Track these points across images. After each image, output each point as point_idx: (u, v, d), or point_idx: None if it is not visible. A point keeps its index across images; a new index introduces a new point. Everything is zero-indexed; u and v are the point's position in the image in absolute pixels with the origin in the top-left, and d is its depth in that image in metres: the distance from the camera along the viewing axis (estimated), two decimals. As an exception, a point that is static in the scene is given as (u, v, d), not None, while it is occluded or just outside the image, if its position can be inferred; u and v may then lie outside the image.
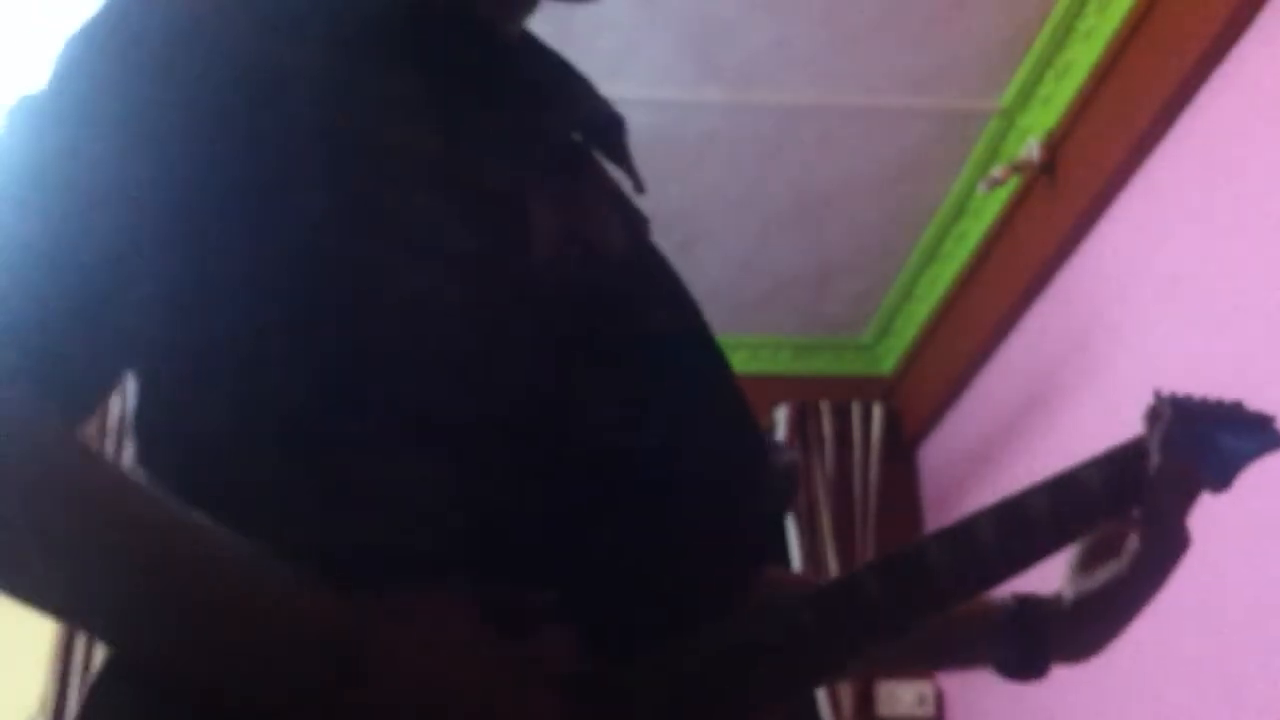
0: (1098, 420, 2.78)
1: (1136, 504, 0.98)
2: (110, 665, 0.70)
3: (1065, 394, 2.93)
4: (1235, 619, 2.14)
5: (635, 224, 0.94)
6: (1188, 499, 1.01)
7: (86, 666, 3.28)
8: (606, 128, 0.94)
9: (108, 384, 0.75)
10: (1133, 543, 0.99)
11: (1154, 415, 1.04)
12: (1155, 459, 0.99)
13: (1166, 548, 0.99)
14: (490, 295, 0.76)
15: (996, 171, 2.97)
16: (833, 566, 3.52)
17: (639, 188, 0.95)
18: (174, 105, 0.74)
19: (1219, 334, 2.33)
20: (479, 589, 0.70)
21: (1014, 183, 3.01)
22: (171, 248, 0.73)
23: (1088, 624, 1.00)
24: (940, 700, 3.51)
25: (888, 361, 3.89)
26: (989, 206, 3.20)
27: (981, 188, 3.02)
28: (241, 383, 0.74)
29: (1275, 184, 2.20)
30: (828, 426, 3.74)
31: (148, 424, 0.77)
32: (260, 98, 0.75)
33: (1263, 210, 2.23)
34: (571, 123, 0.93)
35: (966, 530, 0.89)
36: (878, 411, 3.77)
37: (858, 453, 3.73)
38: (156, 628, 0.66)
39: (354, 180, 0.75)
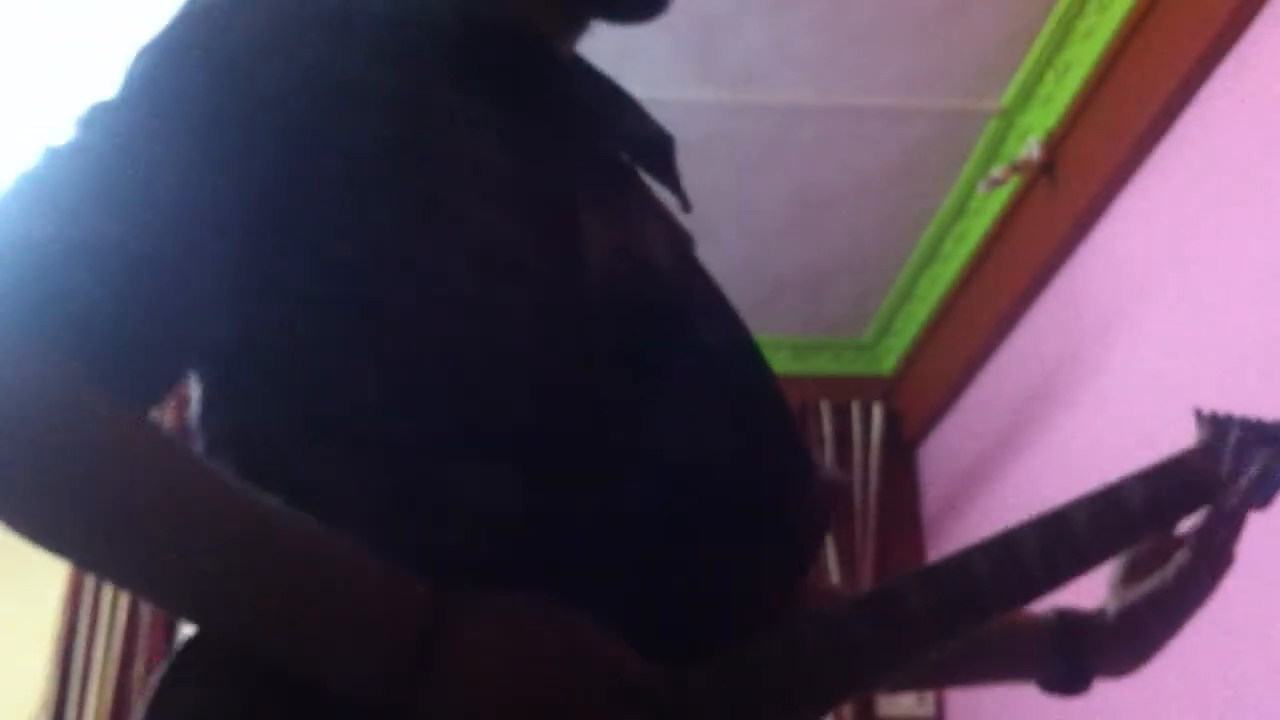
0: (1098, 420, 2.78)
1: (1179, 520, 0.98)
2: (180, 655, 0.71)
3: (1065, 394, 2.93)
4: (1236, 619, 2.14)
5: (681, 241, 0.96)
6: (1238, 519, 1.00)
7: (87, 667, 3.28)
8: (654, 147, 0.97)
9: (172, 381, 0.76)
10: (1177, 557, 0.99)
11: (1208, 433, 1.03)
12: (1228, 483, 0.99)
13: (1212, 564, 0.99)
14: (547, 304, 0.78)
15: (996, 171, 2.97)
16: (832, 566, 3.52)
17: (686, 206, 0.97)
18: (247, 114, 0.76)
19: (1219, 333, 2.33)
20: (545, 597, 0.71)
21: (1014, 183, 3.01)
22: (240, 251, 0.75)
23: (1131, 638, 1.01)
24: (940, 700, 3.51)
25: (888, 361, 3.89)
26: (989, 206, 3.20)
27: (981, 188, 3.02)
28: (305, 385, 0.76)
29: (1276, 184, 2.20)
30: (827, 426, 3.74)
31: (212, 425, 0.79)
32: (331, 109, 0.77)
33: (1263, 210, 2.23)
34: (620, 142, 0.95)
35: (1010, 541, 0.89)
36: (878, 411, 3.77)
37: (857, 453, 3.73)
38: (241, 606, 0.68)
39: (420, 190, 0.77)
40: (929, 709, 3.50)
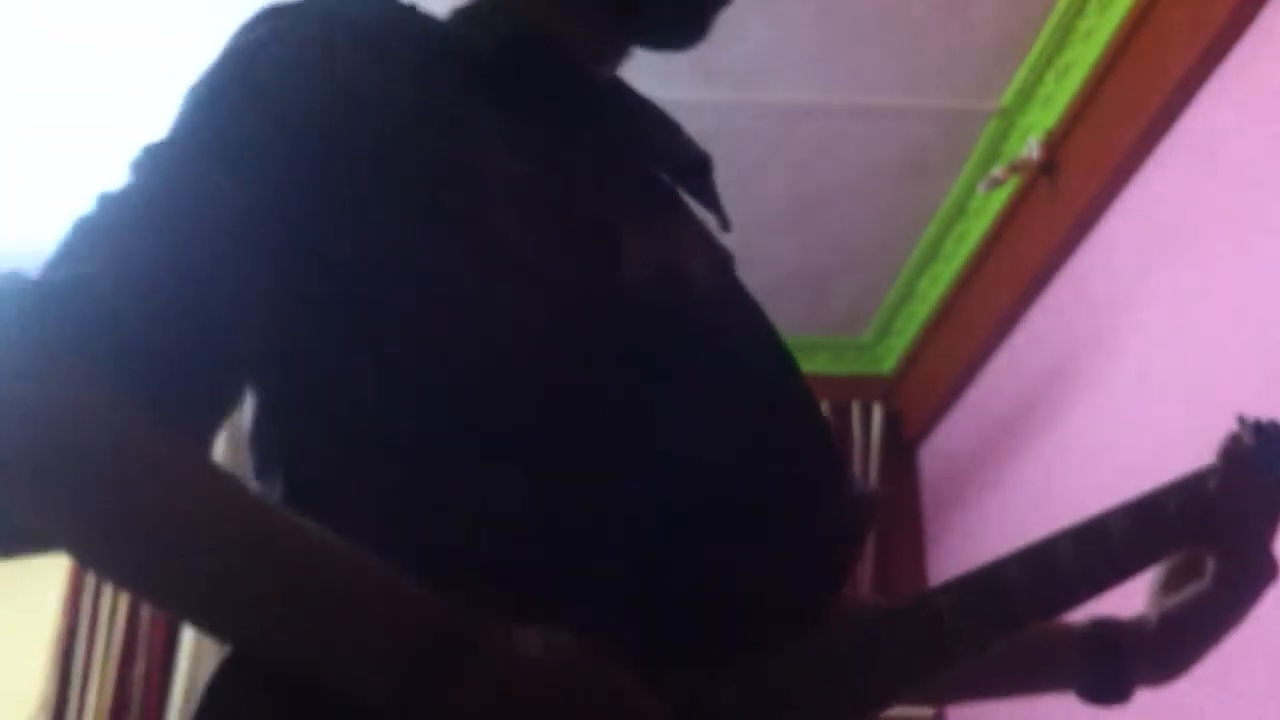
0: (1098, 420, 2.78)
1: (1211, 530, 0.98)
2: (227, 665, 0.72)
3: (1065, 394, 2.93)
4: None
5: (720, 259, 0.98)
6: (1269, 525, 0.99)
7: (87, 667, 3.28)
8: (693, 168, 0.98)
9: (223, 403, 0.80)
10: (1212, 565, 0.99)
11: (1234, 441, 1.03)
12: (1217, 485, 0.98)
13: (1250, 573, 0.98)
14: (576, 314, 0.80)
15: (996, 171, 2.97)
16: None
17: (725, 226, 0.99)
18: (282, 144, 0.79)
19: (1219, 332, 2.33)
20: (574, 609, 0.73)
21: (1014, 183, 3.01)
22: (279, 274, 0.78)
23: (1172, 646, 1.00)
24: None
25: (888, 361, 3.89)
26: (989, 206, 3.19)
27: (981, 188, 3.02)
28: (346, 401, 0.79)
29: (1275, 183, 2.20)
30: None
31: (261, 441, 0.83)
32: (367, 133, 0.80)
33: (1263, 210, 2.23)
34: (659, 162, 0.97)
35: (1045, 551, 0.89)
36: (878, 411, 3.77)
37: (858, 453, 3.73)
38: (274, 625, 0.70)
39: (453, 206, 0.80)
40: (928, 709, 3.50)
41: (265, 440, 0.83)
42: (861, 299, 3.71)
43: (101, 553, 0.73)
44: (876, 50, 2.81)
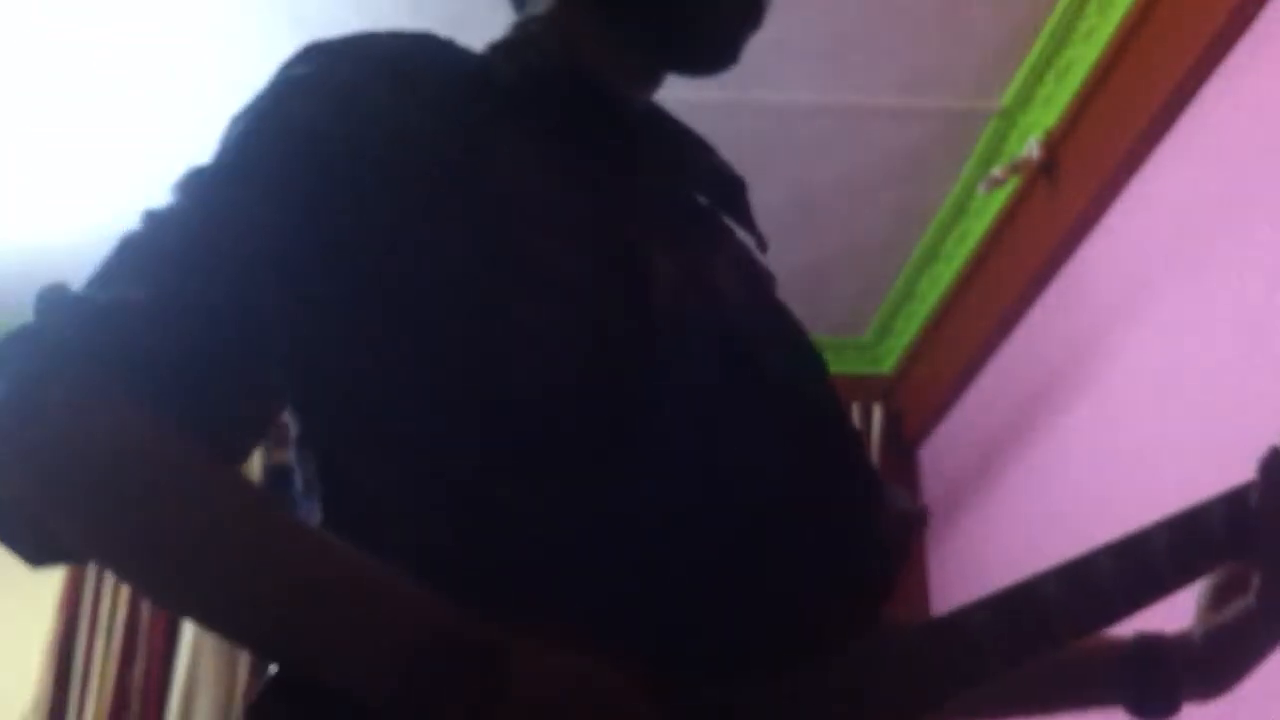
0: (1098, 420, 2.77)
1: (1254, 546, 0.97)
2: (270, 684, 0.74)
3: (1066, 394, 2.93)
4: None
5: (760, 280, 1.00)
6: None
7: (86, 667, 3.28)
8: (729, 190, 1.01)
9: (261, 427, 0.83)
10: (1258, 582, 0.97)
11: (1274, 456, 1.02)
12: (1259, 500, 0.95)
13: None
14: (615, 339, 0.82)
15: (996, 171, 2.97)
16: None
17: (762, 246, 1.02)
18: (327, 176, 0.82)
19: (1220, 332, 2.33)
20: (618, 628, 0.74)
21: (1014, 183, 3.01)
22: (324, 300, 0.81)
23: (1218, 661, 1.00)
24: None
25: (888, 361, 3.89)
26: (989, 206, 3.19)
27: (981, 188, 3.02)
28: (384, 423, 0.81)
29: (1276, 183, 2.20)
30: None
31: (304, 462, 0.86)
32: (406, 167, 0.83)
33: (1263, 210, 2.23)
34: (696, 185, 1.00)
35: (1084, 566, 0.88)
36: (878, 411, 3.77)
37: (858, 453, 3.72)
38: (301, 638, 0.72)
39: (491, 236, 0.82)
40: None
41: (306, 465, 0.86)
42: (861, 299, 3.71)
43: (130, 564, 0.75)
44: (876, 50, 2.81)
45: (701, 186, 1.01)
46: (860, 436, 0.91)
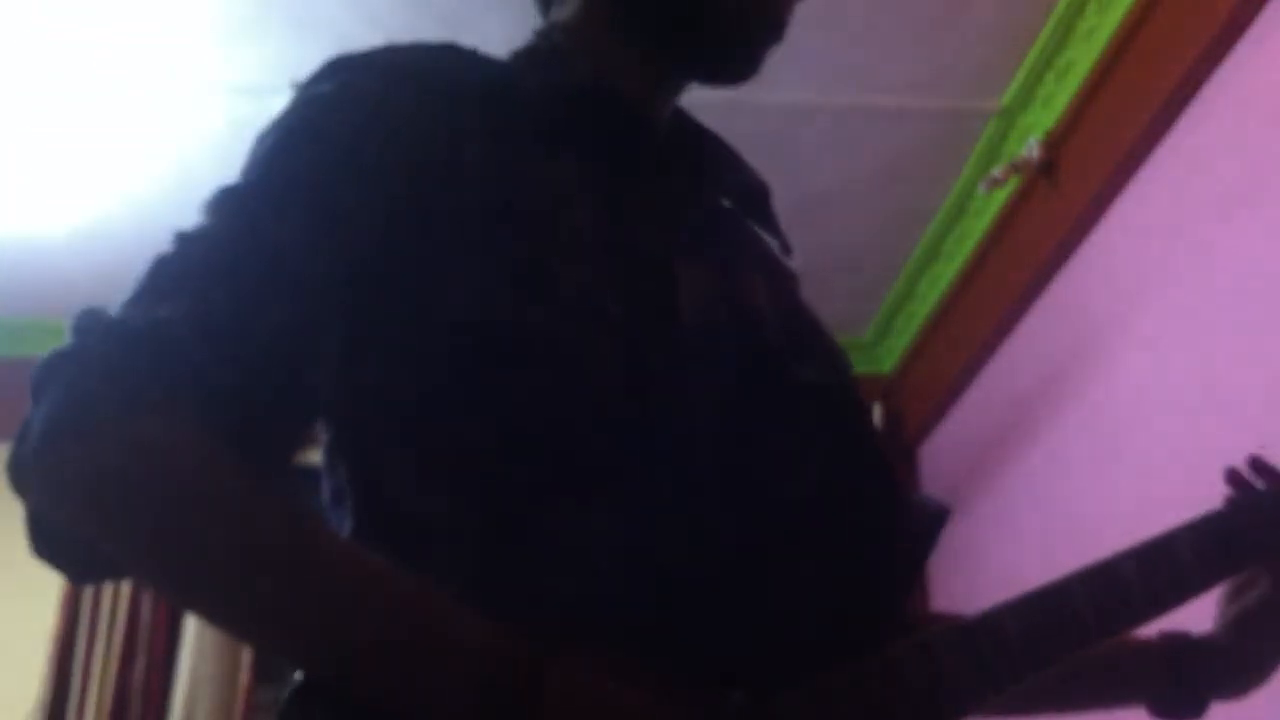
0: (1098, 420, 2.77)
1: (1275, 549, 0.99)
2: (301, 688, 0.75)
3: (1065, 394, 2.93)
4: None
5: (785, 283, 1.01)
6: None
7: (87, 667, 3.28)
8: (753, 195, 1.02)
9: (297, 441, 0.83)
10: (1263, 578, 0.99)
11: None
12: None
13: None
14: (644, 356, 0.83)
15: (996, 171, 2.97)
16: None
17: (786, 250, 1.03)
18: (357, 191, 0.83)
19: (1219, 332, 2.33)
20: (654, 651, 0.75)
21: (1014, 183, 3.01)
22: (352, 317, 0.82)
23: (1238, 660, 1.01)
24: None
25: (888, 361, 3.89)
26: (989, 206, 3.19)
27: (981, 188, 3.02)
28: (415, 436, 0.82)
29: (1275, 184, 2.20)
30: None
31: (336, 473, 0.87)
32: (434, 181, 0.84)
33: (1263, 210, 2.23)
34: (721, 191, 1.00)
35: (1109, 569, 0.90)
36: (878, 412, 3.77)
37: (858, 453, 3.72)
38: (348, 656, 0.72)
39: (519, 255, 0.83)
40: None
41: (337, 473, 0.86)
42: (861, 299, 3.71)
43: (183, 586, 0.75)
44: (876, 50, 2.81)
45: (725, 191, 1.01)
46: (883, 439, 0.91)
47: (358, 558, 0.75)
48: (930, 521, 0.91)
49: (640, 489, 0.80)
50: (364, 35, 2.60)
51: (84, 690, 3.26)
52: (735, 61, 1.00)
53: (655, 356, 0.83)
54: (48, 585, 3.31)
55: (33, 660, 3.31)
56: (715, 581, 0.80)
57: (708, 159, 1.02)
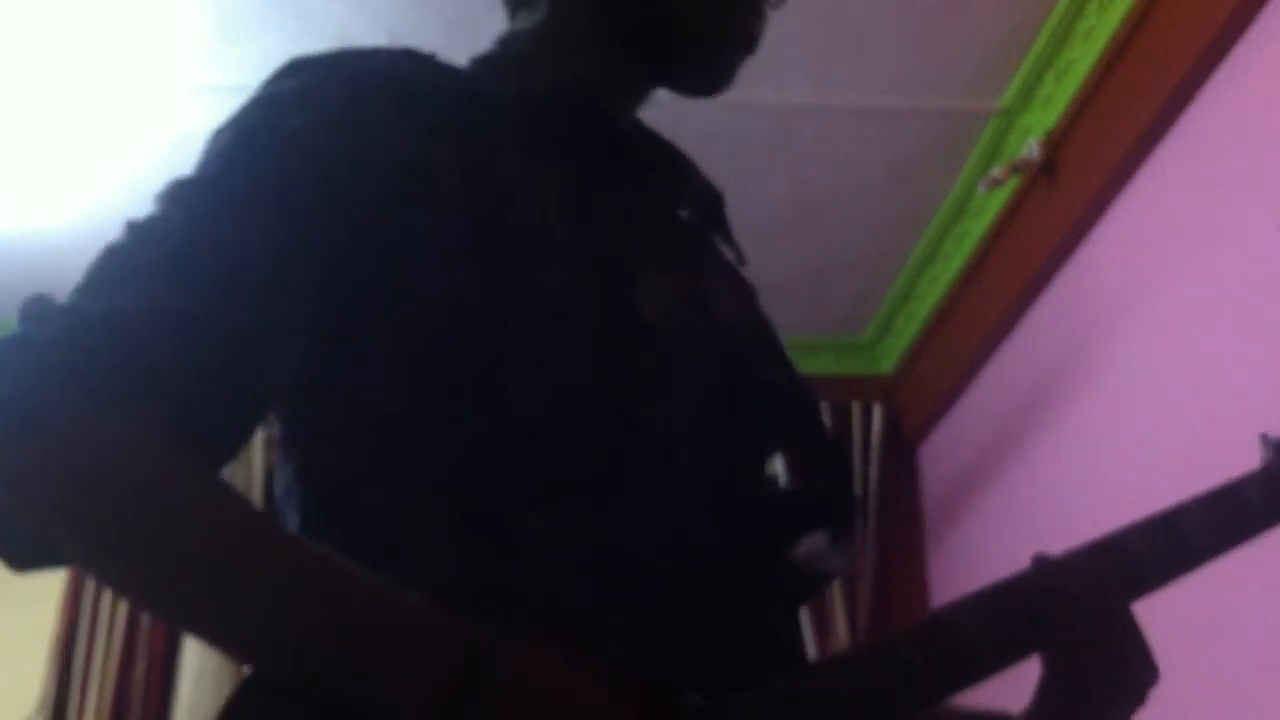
0: (1099, 419, 2.78)
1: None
2: (250, 681, 0.74)
3: (1066, 393, 2.93)
4: (1236, 627, 2.14)
5: (744, 293, 1.02)
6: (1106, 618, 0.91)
7: (87, 668, 3.28)
8: (710, 204, 1.02)
9: (250, 433, 0.81)
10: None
11: (1271, 457, 1.02)
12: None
13: (1092, 669, 0.89)
14: (613, 359, 0.83)
15: (996, 171, 2.97)
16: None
17: (741, 259, 1.03)
18: (318, 192, 0.81)
19: (1219, 332, 2.33)
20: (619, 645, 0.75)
21: (1014, 183, 3.01)
22: (313, 317, 0.81)
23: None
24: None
25: (888, 361, 3.89)
26: (989, 206, 3.20)
27: (981, 188, 3.02)
28: (382, 439, 0.82)
29: (1275, 183, 2.20)
30: (828, 427, 3.73)
31: (288, 468, 0.86)
32: (398, 186, 0.82)
33: (1263, 210, 2.23)
34: (679, 200, 1.01)
35: (1117, 541, 0.91)
36: (878, 411, 3.77)
37: (858, 453, 3.72)
38: (289, 642, 0.71)
39: (488, 257, 0.82)
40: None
41: (286, 469, 0.86)
42: (861, 299, 3.71)
43: (136, 581, 0.75)
44: (876, 50, 2.81)
45: (686, 202, 1.01)
46: (838, 446, 0.94)
47: (302, 548, 0.74)
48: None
49: (612, 491, 0.80)
50: (365, 35, 2.60)
51: (84, 691, 3.26)
52: (708, 74, 1.00)
53: (625, 360, 0.83)
54: (49, 586, 3.31)
55: (34, 661, 3.31)
56: (687, 583, 0.80)
57: (669, 167, 1.03)
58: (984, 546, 3.30)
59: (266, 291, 0.78)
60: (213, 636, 0.76)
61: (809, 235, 3.37)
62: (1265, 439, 1.03)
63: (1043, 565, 0.88)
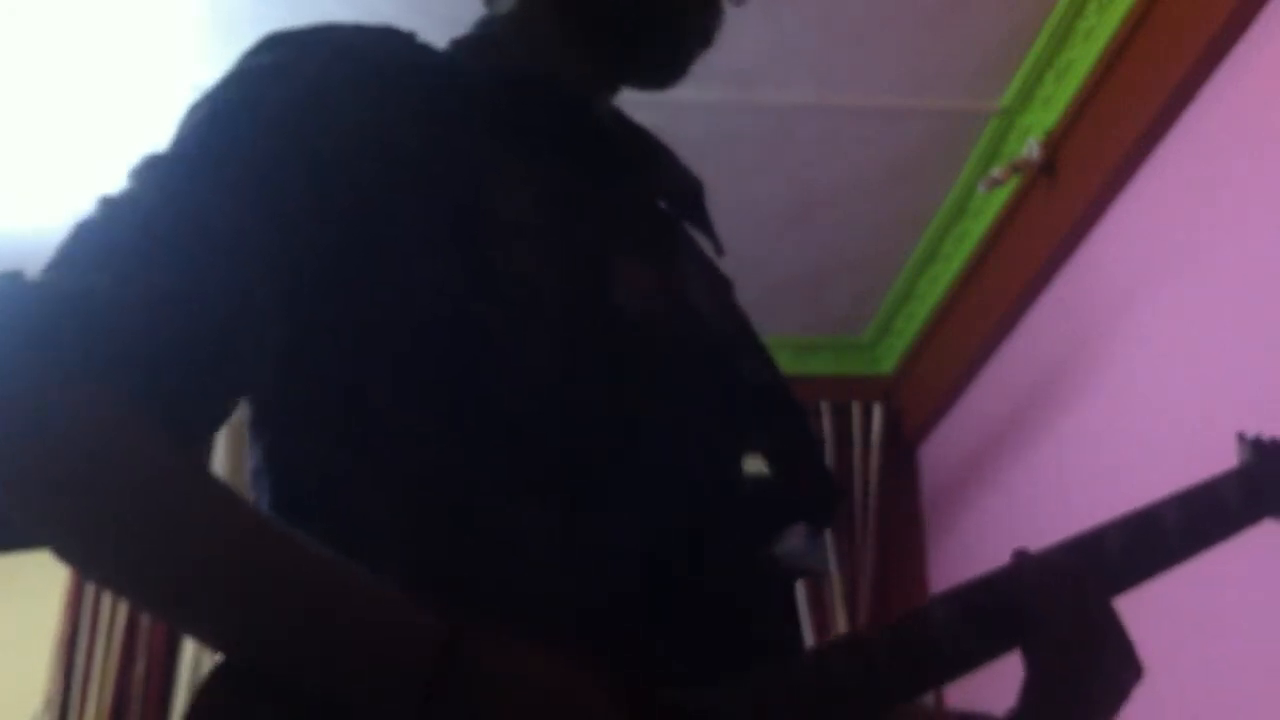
0: (1098, 419, 2.78)
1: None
2: (220, 671, 0.72)
3: (1065, 394, 2.93)
4: (1234, 627, 2.14)
5: (719, 285, 1.01)
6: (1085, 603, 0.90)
7: (88, 668, 3.28)
8: (688, 194, 1.01)
9: (224, 416, 0.80)
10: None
11: (1248, 457, 1.02)
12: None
13: (1074, 660, 0.88)
14: (582, 345, 0.82)
15: (996, 171, 2.97)
16: (832, 565, 3.52)
17: (719, 250, 1.02)
18: (295, 169, 0.80)
19: (1219, 332, 2.33)
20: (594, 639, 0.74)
21: (1014, 183, 3.01)
22: (286, 296, 0.79)
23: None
24: (939, 702, 3.51)
25: (888, 361, 3.89)
26: (989, 206, 3.20)
27: (981, 188, 3.02)
28: (351, 424, 0.80)
29: (1275, 183, 2.20)
30: (828, 426, 3.73)
31: (257, 450, 0.85)
32: (377, 167, 0.81)
33: (1263, 210, 2.23)
34: (657, 190, 1.00)
35: (1095, 538, 0.89)
36: (878, 411, 3.77)
37: (858, 453, 3.72)
38: (261, 634, 0.70)
39: (458, 238, 0.81)
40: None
41: (255, 452, 0.85)
42: (861, 299, 3.71)
43: (100, 558, 0.73)
44: (876, 50, 2.81)
45: (663, 192, 1.01)
46: (817, 438, 0.93)
47: (271, 529, 0.73)
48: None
49: (583, 481, 0.79)
50: (364, 35, 2.60)
51: (85, 690, 3.26)
52: (662, 66, 1.00)
53: (605, 352, 0.82)
54: (51, 586, 3.31)
55: (35, 661, 3.32)
56: (668, 576, 0.79)
57: (647, 156, 1.02)
58: (984, 546, 3.30)
59: (243, 268, 0.77)
60: (176, 620, 0.75)
61: (809, 235, 3.37)
62: (1242, 438, 1.03)
63: (1022, 560, 0.86)
